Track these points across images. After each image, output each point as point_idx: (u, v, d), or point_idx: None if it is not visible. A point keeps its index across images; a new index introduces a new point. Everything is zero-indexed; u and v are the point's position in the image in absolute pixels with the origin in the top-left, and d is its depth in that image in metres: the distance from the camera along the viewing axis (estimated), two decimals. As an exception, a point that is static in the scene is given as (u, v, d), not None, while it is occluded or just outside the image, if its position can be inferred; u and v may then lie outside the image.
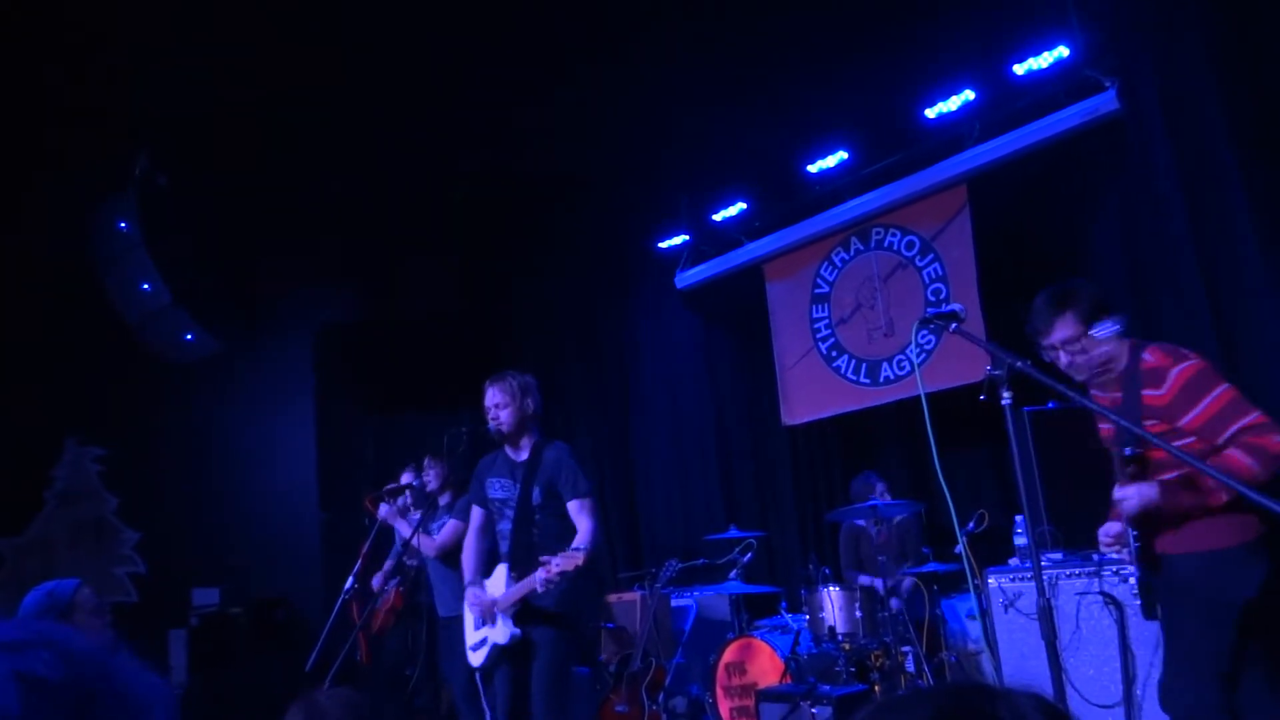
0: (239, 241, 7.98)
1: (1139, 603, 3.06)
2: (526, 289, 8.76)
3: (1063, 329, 2.97)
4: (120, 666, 0.72)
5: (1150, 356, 2.88)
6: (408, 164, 7.37)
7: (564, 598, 3.74)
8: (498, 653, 3.83)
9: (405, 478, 5.26)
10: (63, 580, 2.94)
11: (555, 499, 3.87)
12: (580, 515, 3.79)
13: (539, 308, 8.74)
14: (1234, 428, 2.72)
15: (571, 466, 3.86)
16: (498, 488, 4.00)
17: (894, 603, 5.26)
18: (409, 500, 5.23)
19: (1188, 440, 2.80)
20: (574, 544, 3.66)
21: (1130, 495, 2.79)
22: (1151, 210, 5.13)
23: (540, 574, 3.54)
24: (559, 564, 3.49)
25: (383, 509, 5.10)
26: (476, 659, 3.94)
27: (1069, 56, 5.34)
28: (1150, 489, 2.79)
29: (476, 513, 4.08)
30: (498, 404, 3.94)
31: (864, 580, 5.73)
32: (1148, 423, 2.81)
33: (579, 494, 3.82)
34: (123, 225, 6.89)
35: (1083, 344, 2.95)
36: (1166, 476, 2.84)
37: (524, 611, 3.78)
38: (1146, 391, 2.85)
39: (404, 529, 5.12)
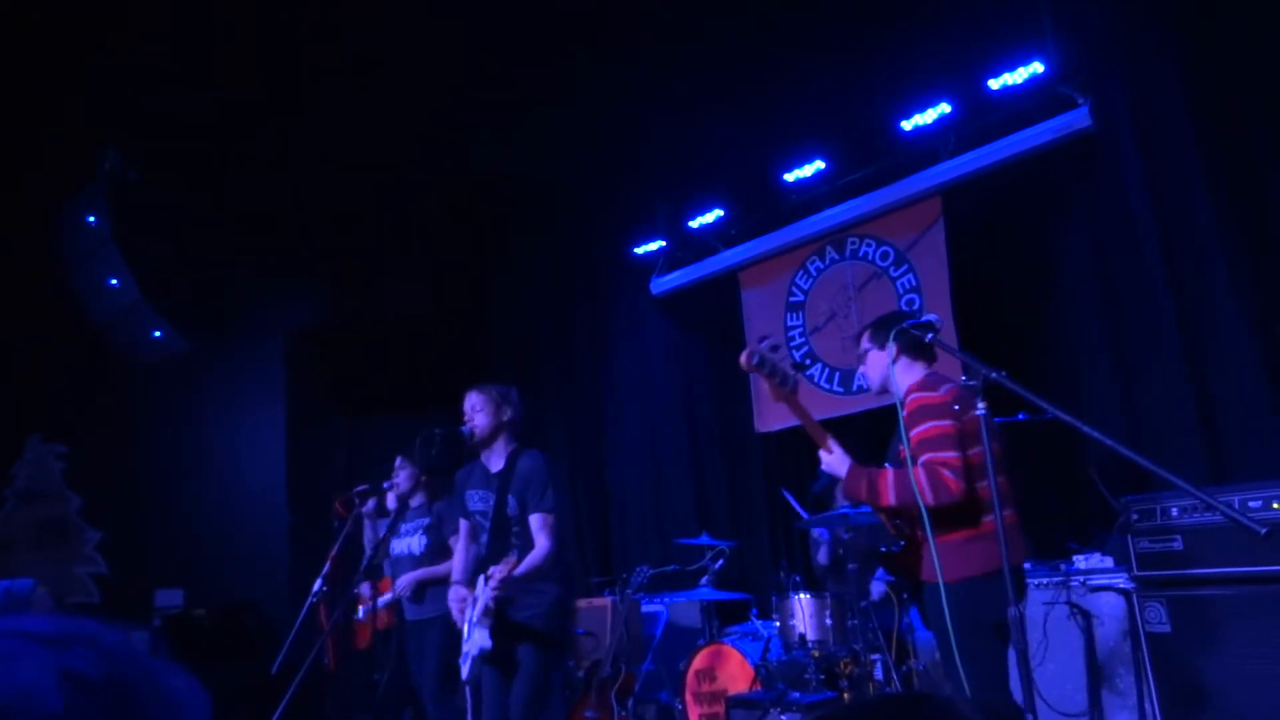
0: (210, 240, 7.88)
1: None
2: (501, 292, 8.72)
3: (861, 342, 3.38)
4: (156, 664, 0.69)
5: (921, 394, 3.13)
6: (383, 166, 7.33)
7: (548, 616, 3.73)
8: (478, 664, 3.81)
9: (400, 479, 5.15)
10: (18, 580, 2.88)
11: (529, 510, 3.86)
12: (540, 530, 3.76)
13: (514, 311, 8.70)
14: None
15: (542, 479, 3.82)
16: (477, 500, 3.98)
17: (876, 589, 5.29)
18: (373, 506, 5.17)
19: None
20: (527, 558, 3.68)
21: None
22: (1121, 225, 5.22)
23: (487, 591, 3.58)
24: (497, 573, 3.52)
25: (369, 505, 5.05)
26: (465, 671, 3.94)
27: (1044, 73, 5.42)
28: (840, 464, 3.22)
29: (463, 524, 4.10)
30: (474, 407, 3.92)
31: (823, 558, 5.78)
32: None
33: (542, 508, 3.78)
34: (91, 220, 6.78)
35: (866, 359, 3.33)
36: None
37: (506, 627, 3.74)
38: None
39: (372, 532, 5.08)
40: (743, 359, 2.92)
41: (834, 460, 3.18)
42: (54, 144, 6.71)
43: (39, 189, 6.93)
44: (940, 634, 2.95)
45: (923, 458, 2.91)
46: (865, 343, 3.34)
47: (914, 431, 2.98)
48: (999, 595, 2.67)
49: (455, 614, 3.91)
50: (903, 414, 3.04)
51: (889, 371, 3.20)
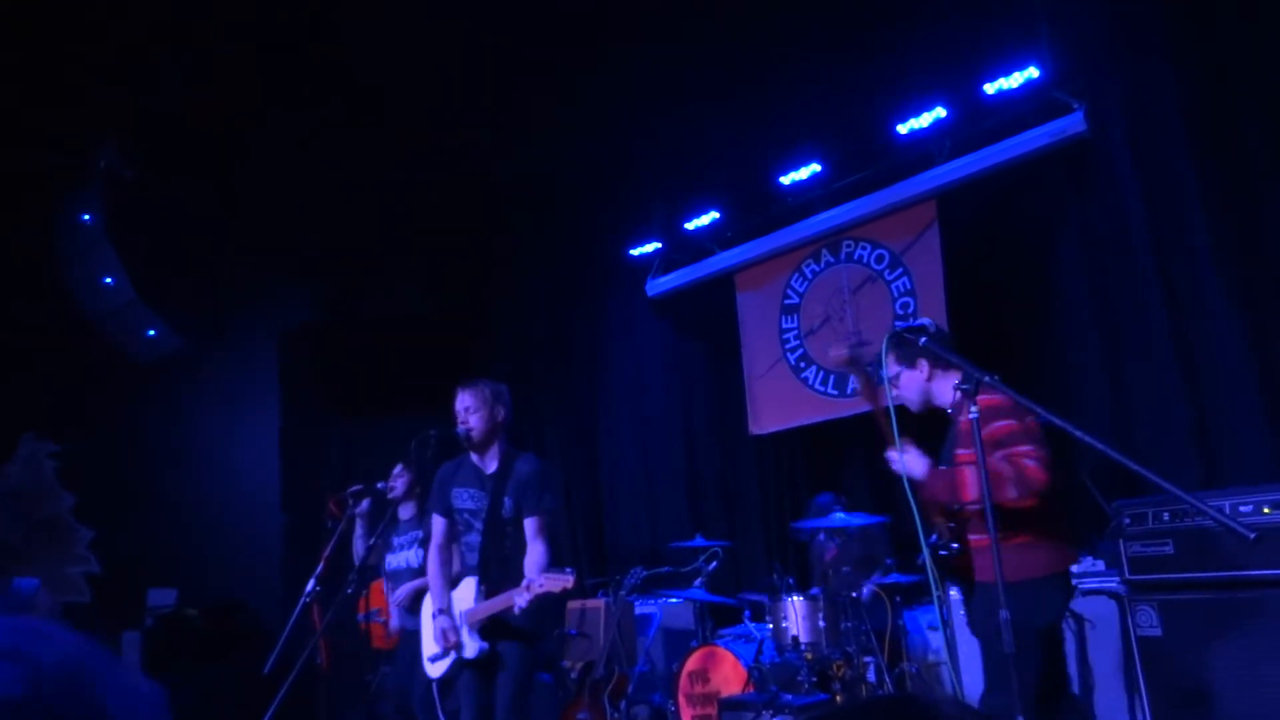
0: (205, 238, 7.86)
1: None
2: (497, 293, 8.72)
3: (889, 365, 3.33)
4: (102, 677, 0.68)
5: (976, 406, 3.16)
6: (379, 165, 7.32)
7: (532, 614, 3.66)
8: (460, 666, 3.78)
9: (397, 485, 5.11)
10: (25, 579, 2.87)
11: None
12: (535, 535, 3.72)
13: (509, 311, 8.70)
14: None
15: (539, 482, 3.79)
16: (466, 498, 3.90)
17: (866, 590, 5.31)
18: (367, 506, 5.15)
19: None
20: (529, 563, 3.63)
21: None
22: (1115, 229, 5.24)
23: (523, 595, 3.48)
24: (543, 584, 3.44)
25: (363, 505, 5.04)
26: (435, 670, 3.89)
27: (1039, 78, 5.44)
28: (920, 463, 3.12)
29: (439, 523, 3.95)
30: (468, 408, 3.85)
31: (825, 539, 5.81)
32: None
33: (539, 511, 3.75)
34: (86, 218, 6.77)
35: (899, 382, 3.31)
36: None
37: (492, 625, 3.72)
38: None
39: (363, 536, 5.07)
40: (835, 353, 2.97)
41: (910, 460, 3.11)
42: (49, 140, 6.69)
43: (33, 185, 6.91)
44: (989, 638, 2.95)
45: (999, 454, 2.94)
46: (893, 366, 3.31)
47: (985, 431, 2.95)
48: (1056, 598, 2.88)
49: (438, 638, 3.82)
50: (962, 419, 3.01)
51: (928, 387, 3.25)
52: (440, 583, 3.88)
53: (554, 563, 3.72)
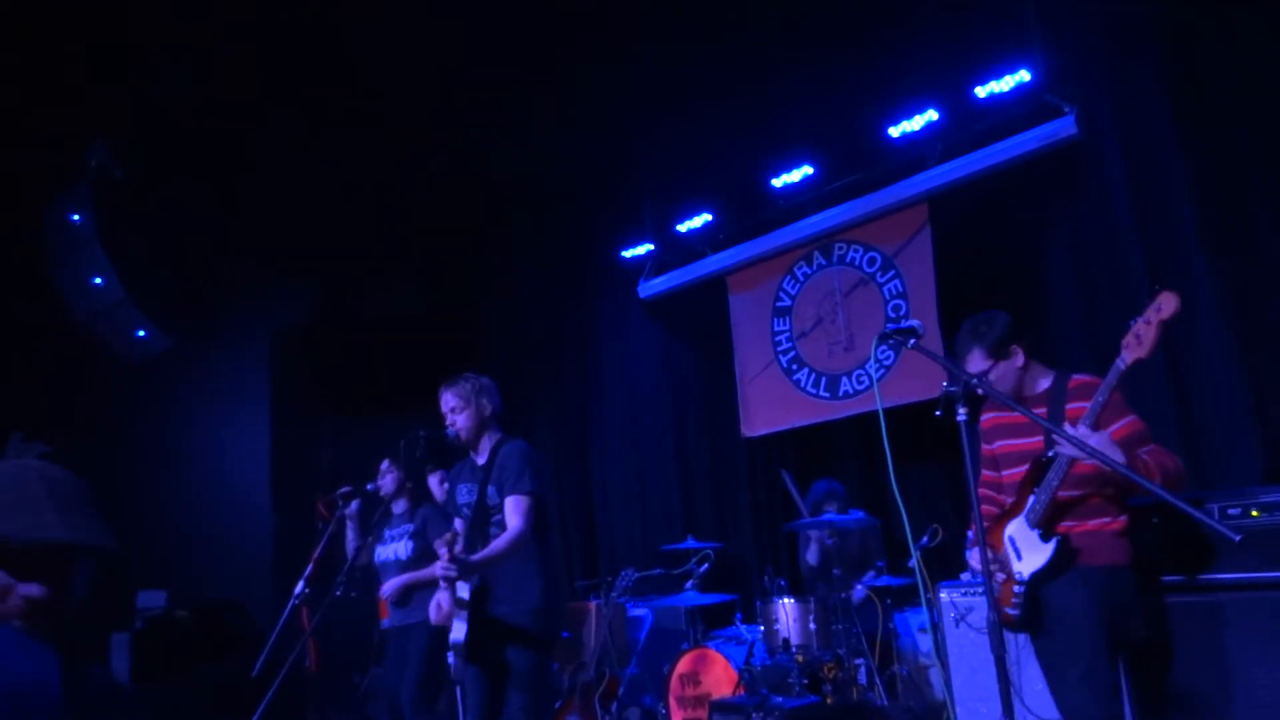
0: (195, 237, 7.83)
1: (1015, 613, 3.09)
2: (489, 294, 8.71)
3: (974, 363, 3.16)
4: None
5: (1081, 376, 3.12)
6: (371, 165, 7.31)
7: (534, 615, 3.62)
8: (461, 656, 3.71)
9: (385, 482, 5.10)
10: None
11: None
12: (512, 512, 3.62)
13: (501, 313, 8.69)
14: (1145, 450, 2.96)
15: (518, 463, 3.70)
16: (464, 492, 3.91)
17: (857, 593, 5.32)
18: (357, 508, 5.13)
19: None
20: (495, 540, 3.58)
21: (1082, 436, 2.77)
22: (1105, 232, 5.26)
23: (438, 569, 3.48)
24: (442, 550, 3.43)
25: (353, 507, 5.01)
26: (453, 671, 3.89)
27: (1030, 81, 5.46)
28: (1104, 439, 2.82)
29: (457, 522, 3.99)
30: (453, 408, 3.83)
31: (812, 558, 5.80)
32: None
33: (517, 490, 3.64)
34: (75, 218, 6.73)
35: (993, 374, 3.14)
36: (1066, 493, 3.01)
37: (486, 623, 3.65)
38: (1072, 405, 3.03)
39: (353, 538, 5.06)
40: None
41: (1105, 439, 2.80)
42: (41, 139, 6.66)
43: (22, 184, 6.87)
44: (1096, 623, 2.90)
45: (1146, 449, 2.95)
46: (980, 362, 3.14)
47: (1126, 419, 2.99)
48: (1130, 586, 2.95)
49: (433, 617, 3.84)
50: (1087, 404, 2.91)
51: (1021, 375, 3.17)
52: None
53: (534, 549, 3.65)
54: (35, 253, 7.02)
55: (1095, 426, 2.84)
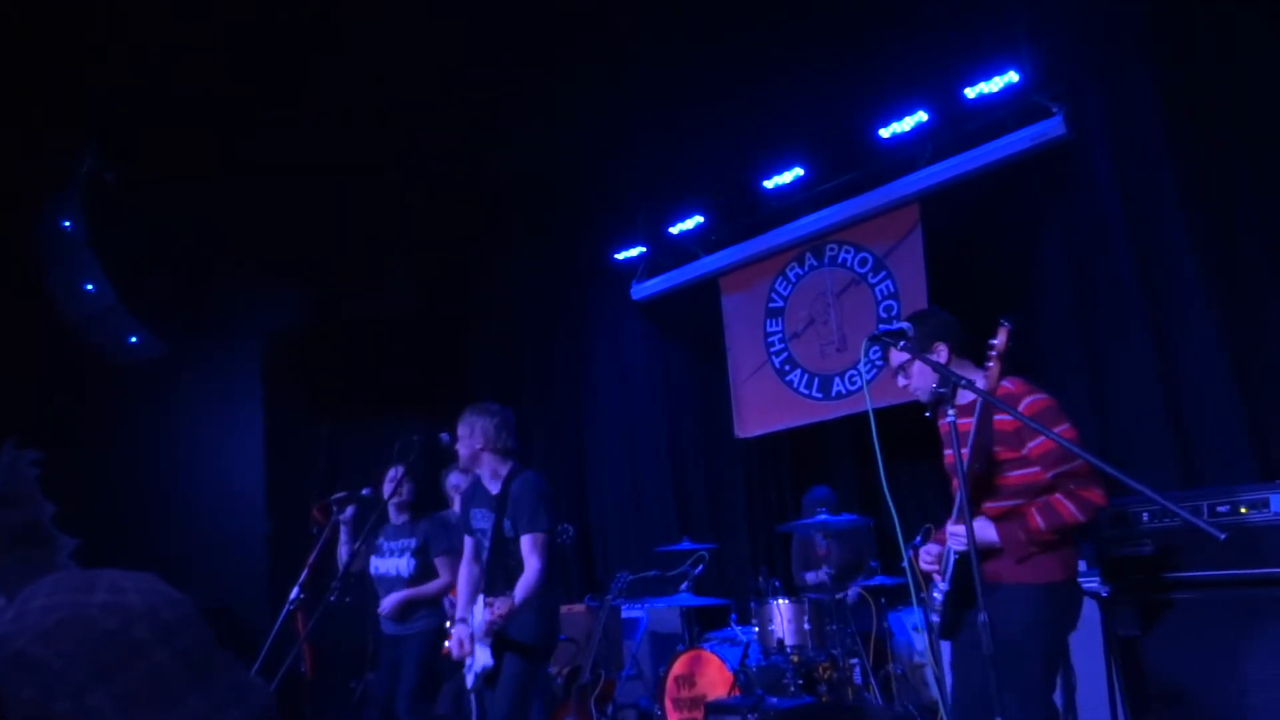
0: (188, 241, 7.81)
1: (935, 619, 3.10)
2: (482, 297, 8.71)
3: (895, 358, 3.13)
4: None
5: (1009, 384, 2.91)
6: (364, 168, 7.31)
7: (533, 624, 3.80)
8: (481, 680, 3.87)
9: (404, 488, 5.10)
10: None
11: None
12: (530, 552, 3.81)
13: (495, 315, 8.69)
14: (1064, 468, 2.81)
15: (531, 500, 3.87)
16: (480, 518, 4.06)
17: (851, 593, 5.34)
18: (351, 514, 5.11)
19: (1031, 469, 2.87)
20: (520, 583, 3.74)
21: (962, 534, 2.70)
22: (1095, 231, 5.29)
23: (485, 615, 3.66)
24: (500, 607, 3.58)
25: (348, 512, 5.01)
26: (469, 681, 3.98)
27: (1019, 82, 5.48)
28: (987, 530, 2.84)
29: (467, 541, 4.16)
30: (459, 437, 4.03)
31: (811, 578, 5.80)
32: (995, 448, 2.89)
33: (532, 529, 3.83)
34: (66, 224, 6.71)
35: (910, 370, 3.09)
36: (997, 504, 2.91)
37: (500, 642, 3.83)
38: (999, 417, 2.85)
39: (348, 543, 5.05)
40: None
41: (976, 527, 2.71)
42: (34, 143, 6.64)
43: (12, 189, 6.85)
44: (1012, 641, 2.71)
45: (1061, 469, 2.81)
46: (898, 355, 3.07)
47: (1035, 443, 2.83)
48: (1078, 601, 2.85)
49: (455, 653, 3.99)
50: (1008, 417, 2.80)
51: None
52: (465, 595, 4.09)
53: (550, 580, 3.84)
54: (28, 258, 7.00)
55: (1016, 445, 2.85)
